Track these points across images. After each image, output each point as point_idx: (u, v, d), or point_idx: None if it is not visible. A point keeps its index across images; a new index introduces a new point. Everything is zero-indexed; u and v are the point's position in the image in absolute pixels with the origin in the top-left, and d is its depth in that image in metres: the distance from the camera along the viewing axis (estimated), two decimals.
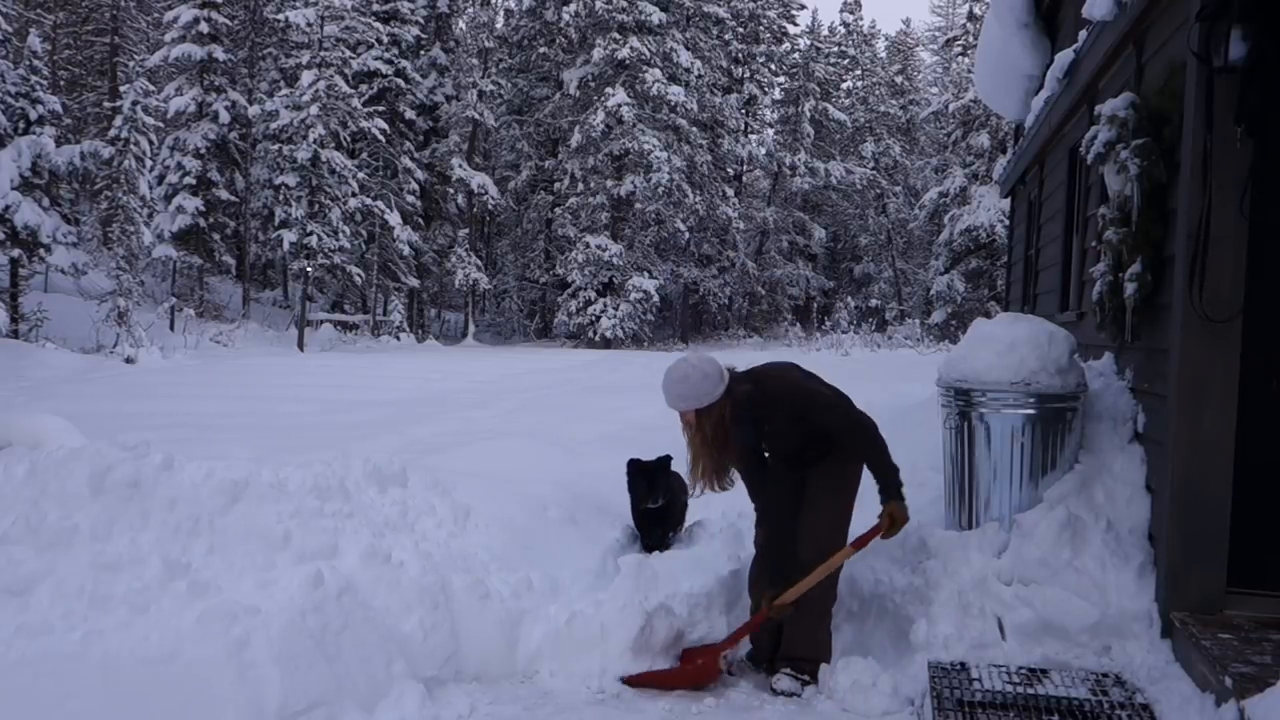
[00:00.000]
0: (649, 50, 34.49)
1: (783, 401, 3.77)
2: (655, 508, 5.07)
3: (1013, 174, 10.24)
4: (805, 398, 3.79)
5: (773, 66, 44.55)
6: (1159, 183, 4.12)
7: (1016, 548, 4.10)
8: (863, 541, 3.79)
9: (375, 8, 33.73)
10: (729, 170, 42.49)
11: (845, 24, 49.54)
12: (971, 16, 38.11)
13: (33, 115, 20.41)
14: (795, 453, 3.92)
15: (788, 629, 3.89)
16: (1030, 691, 3.53)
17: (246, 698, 3.09)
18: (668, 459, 5.14)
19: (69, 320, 21.36)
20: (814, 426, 3.80)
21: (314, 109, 27.94)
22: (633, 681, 3.78)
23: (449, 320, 39.97)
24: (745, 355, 28.31)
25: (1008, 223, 13.34)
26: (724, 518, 5.01)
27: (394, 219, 31.82)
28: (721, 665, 3.87)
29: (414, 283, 34.71)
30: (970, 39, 35.66)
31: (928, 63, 56.63)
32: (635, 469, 5.12)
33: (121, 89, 25.20)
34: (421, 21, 35.21)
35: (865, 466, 3.87)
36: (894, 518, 3.70)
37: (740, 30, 42.61)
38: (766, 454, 4.00)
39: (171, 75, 30.27)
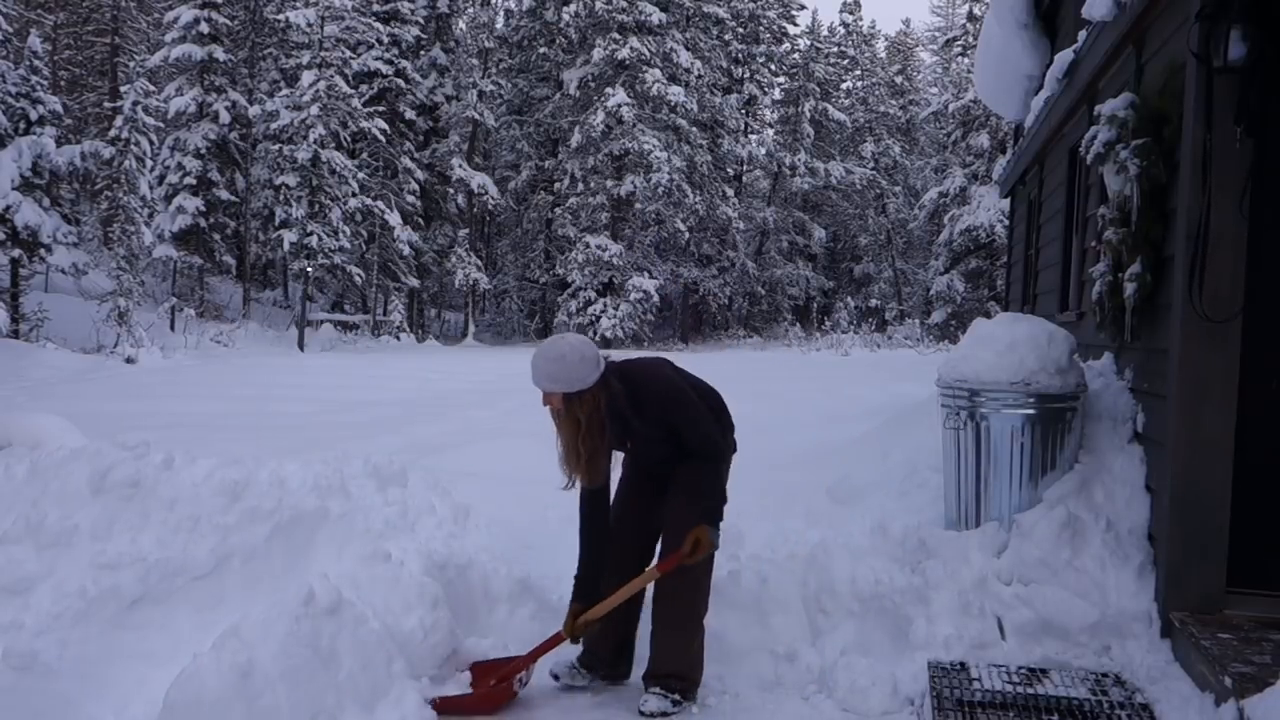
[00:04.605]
0: (649, 50, 34.50)
1: (653, 404, 3.67)
2: None
3: (1012, 174, 10.24)
4: (674, 403, 3.67)
5: (773, 67, 44.55)
6: (1159, 183, 4.11)
7: (1016, 548, 4.10)
8: (666, 565, 3.66)
9: (375, 8, 33.75)
10: (729, 170, 42.48)
11: (845, 24, 49.54)
12: (971, 17, 38.15)
13: (33, 115, 20.43)
14: (655, 458, 3.81)
15: (656, 646, 3.70)
16: (1030, 691, 3.53)
17: (252, 708, 3.06)
18: None
19: (69, 320, 21.37)
20: (675, 431, 3.69)
21: (314, 109, 27.96)
22: (440, 707, 3.49)
23: (449, 320, 39.96)
24: (745, 355, 28.35)
25: (1007, 223, 13.34)
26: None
27: (394, 219, 31.83)
28: (516, 687, 3.67)
29: (414, 283, 34.71)
30: (970, 39, 35.69)
31: (928, 63, 56.62)
32: None
33: (122, 89, 25.22)
34: (421, 22, 35.22)
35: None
36: (699, 540, 3.58)
37: (740, 30, 42.60)
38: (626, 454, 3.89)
39: (172, 75, 30.28)
